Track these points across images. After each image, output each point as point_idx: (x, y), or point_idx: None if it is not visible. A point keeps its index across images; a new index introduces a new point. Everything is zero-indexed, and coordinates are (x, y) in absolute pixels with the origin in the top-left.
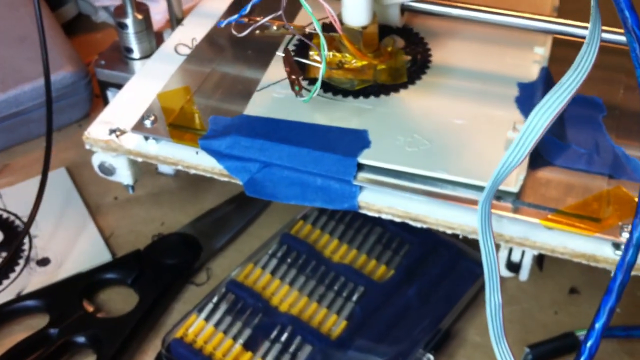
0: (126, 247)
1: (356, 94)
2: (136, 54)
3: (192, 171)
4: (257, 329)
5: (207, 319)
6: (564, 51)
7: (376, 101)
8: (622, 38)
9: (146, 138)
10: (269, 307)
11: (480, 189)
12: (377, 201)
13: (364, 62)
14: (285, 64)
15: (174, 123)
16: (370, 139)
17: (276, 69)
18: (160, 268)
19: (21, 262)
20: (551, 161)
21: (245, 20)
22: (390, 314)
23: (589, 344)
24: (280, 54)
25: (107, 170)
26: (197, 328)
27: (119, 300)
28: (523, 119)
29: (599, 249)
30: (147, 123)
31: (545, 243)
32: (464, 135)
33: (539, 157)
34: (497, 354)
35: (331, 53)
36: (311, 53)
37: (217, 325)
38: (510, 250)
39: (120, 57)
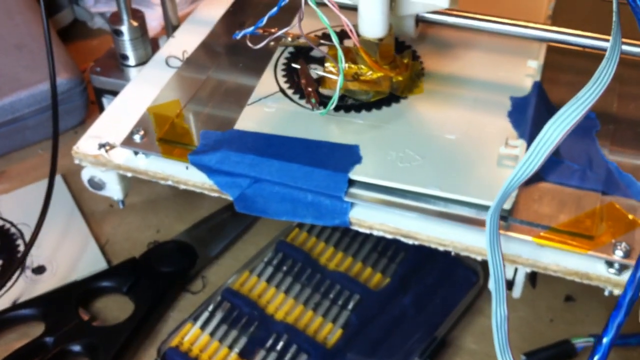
0: (122, 254)
1: (347, 108)
2: (132, 60)
3: (182, 186)
4: (252, 338)
5: (203, 327)
6: (557, 58)
7: (368, 115)
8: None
9: (136, 153)
10: (265, 315)
11: (471, 205)
12: (368, 217)
13: (380, 74)
14: (301, 76)
15: (164, 138)
16: (362, 155)
17: (268, 82)
18: (156, 276)
19: (17, 270)
20: (544, 177)
21: (260, 31)
22: (386, 322)
23: (596, 358)
24: (295, 65)
25: (97, 185)
26: (193, 337)
27: (115, 308)
28: (515, 133)
29: (592, 266)
30: (137, 138)
31: (537, 261)
32: (456, 151)
33: None
34: None
35: (347, 65)
36: (327, 65)
37: (212, 333)
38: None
39: (115, 64)
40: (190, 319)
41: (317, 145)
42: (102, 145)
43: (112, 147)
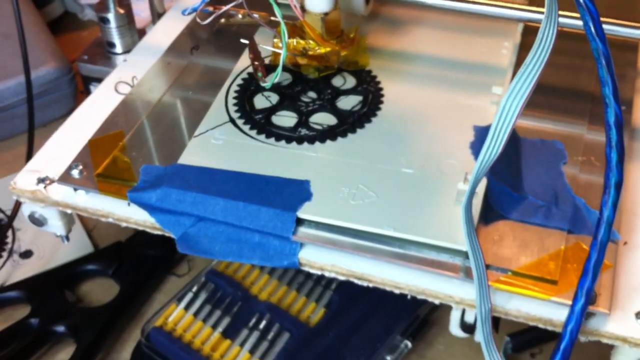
0: (109, 239)
1: (300, 140)
2: (118, 48)
3: (124, 224)
4: (236, 317)
5: (187, 307)
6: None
7: (321, 147)
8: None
9: (75, 189)
10: (248, 295)
11: (428, 247)
12: (319, 258)
13: (328, 49)
14: (250, 51)
15: (103, 173)
16: (312, 191)
17: (218, 112)
18: (141, 259)
19: (4, 254)
20: (505, 215)
21: (211, 8)
22: (368, 302)
23: (569, 327)
24: (244, 41)
25: (38, 221)
26: (177, 317)
27: (100, 291)
28: None
29: (556, 313)
30: (75, 173)
31: (497, 306)
32: (413, 186)
33: (491, 211)
34: (487, 358)
35: (295, 40)
36: (275, 40)
37: (196, 314)
38: (464, 311)
39: (102, 52)
40: (174, 300)
41: (264, 181)
42: (40, 180)
43: (51, 182)
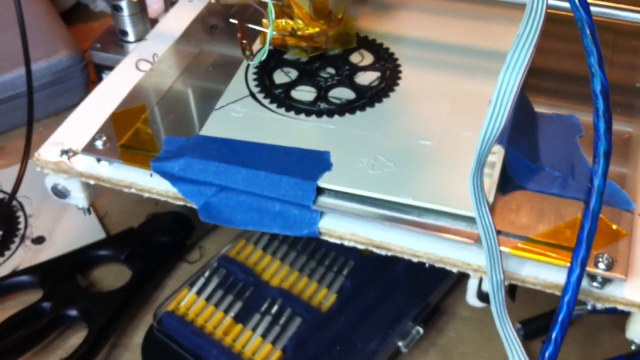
0: (120, 226)
1: (319, 113)
2: (131, 36)
3: (146, 194)
4: (247, 302)
5: (199, 293)
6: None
7: (340, 120)
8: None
9: (98, 160)
10: (260, 281)
11: (446, 215)
12: (338, 227)
13: (316, 29)
14: (238, 29)
15: (126, 144)
16: (332, 161)
17: (238, 86)
18: (153, 245)
19: (16, 240)
20: (522, 185)
21: None
22: (380, 288)
23: (566, 298)
24: (233, 21)
25: (60, 192)
26: (189, 302)
27: (112, 276)
28: None
29: None
30: (99, 144)
31: (514, 273)
32: (431, 157)
33: (509, 181)
34: (500, 331)
35: (283, 20)
36: (264, 21)
37: (208, 299)
38: (481, 280)
39: (115, 40)
40: (186, 285)
41: (285, 151)
42: (64, 152)
43: (75, 153)
